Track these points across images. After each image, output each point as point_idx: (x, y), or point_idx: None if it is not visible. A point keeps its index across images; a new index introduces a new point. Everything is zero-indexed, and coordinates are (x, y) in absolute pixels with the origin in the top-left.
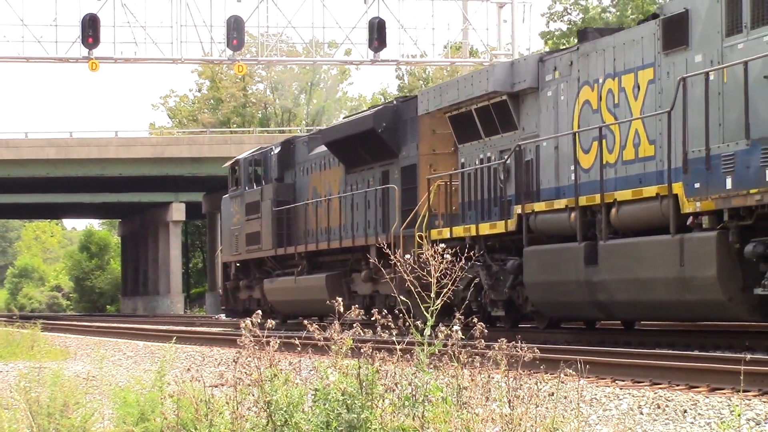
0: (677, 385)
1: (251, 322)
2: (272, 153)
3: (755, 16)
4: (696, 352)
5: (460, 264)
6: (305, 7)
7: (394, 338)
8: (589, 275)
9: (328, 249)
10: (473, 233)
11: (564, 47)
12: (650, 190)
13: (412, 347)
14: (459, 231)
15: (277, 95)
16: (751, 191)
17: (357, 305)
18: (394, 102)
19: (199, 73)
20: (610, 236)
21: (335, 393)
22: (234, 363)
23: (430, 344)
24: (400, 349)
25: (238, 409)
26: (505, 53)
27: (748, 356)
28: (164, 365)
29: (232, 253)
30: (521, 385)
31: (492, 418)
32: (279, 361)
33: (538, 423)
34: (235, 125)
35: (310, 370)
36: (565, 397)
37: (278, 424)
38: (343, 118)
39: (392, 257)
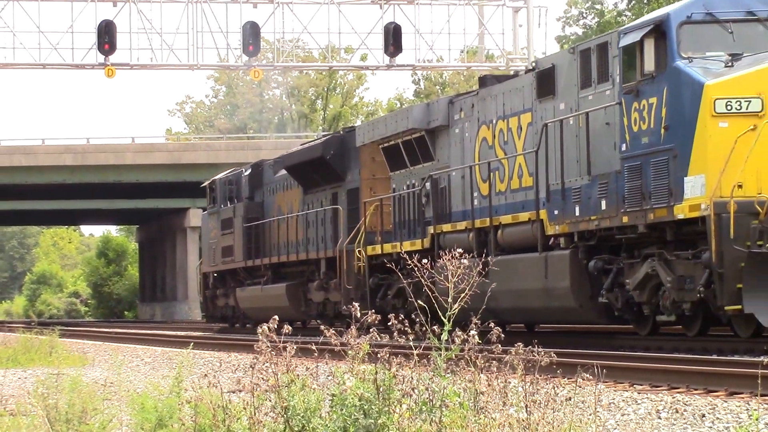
0: (695, 389)
1: (268, 327)
2: (244, 174)
3: (600, 73)
4: (714, 356)
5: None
6: (321, 12)
7: (411, 343)
8: (483, 286)
9: (289, 261)
10: (398, 249)
11: (467, 92)
12: (524, 216)
13: (429, 352)
14: (388, 248)
15: (293, 100)
16: (592, 218)
17: (373, 310)
18: (341, 132)
19: (215, 79)
20: (497, 253)
21: (352, 398)
22: (251, 369)
23: (446, 349)
24: (417, 354)
25: (255, 414)
26: (520, 57)
27: (766, 360)
28: (182, 371)
29: (210, 265)
30: (538, 389)
31: (509, 423)
32: (296, 367)
33: (555, 428)
34: (251, 131)
35: (327, 376)
36: (583, 402)
37: (295, 429)
38: (300, 145)
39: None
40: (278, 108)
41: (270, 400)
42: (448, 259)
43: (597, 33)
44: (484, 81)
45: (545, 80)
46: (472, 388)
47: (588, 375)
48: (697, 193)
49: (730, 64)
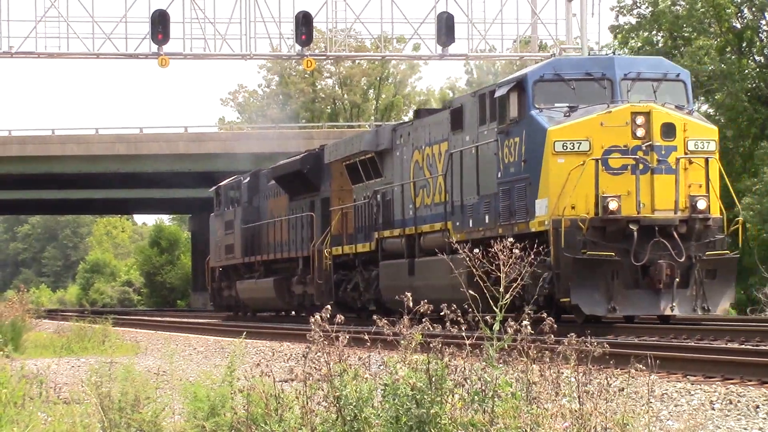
0: (749, 381)
1: (320, 317)
2: (243, 182)
3: (491, 113)
4: None
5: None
6: (374, 1)
7: (463, 333)
8: (410, 282)
9: (277, 259)
10: (354, 251)
11: (406, 122)
12: (438, 225)
13: (481, 342)
14: (347, 249)
15: (346, 90)
16: (479, 229)
17: (425, 302)
18: (317, 149)
19: (267, 69)
20: (420, 255)
21: (404, 388)
22: (303, 358)
23: (499, 339)
24: (469, 344)
25: (307, 404)
26: (574, 47)
27: None
28: (234, 360)
29: (216, 261)
30: (591, 380)
31: (562, 414)
32: (348, 356)
33: (608, 418)
34: (304, 120)
35: (380, 365)
36: (636, 393)
37: (348, 418)
38: (287, 158)
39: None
40: (330, 98)
41: (322, 390)
42: (500, 249)
43: (651, 23)
44: (418, 113)
45: (456, 116)
46: (524, 379)
47: (641, 365)
48: (543, 213)
49: (568, 114)
